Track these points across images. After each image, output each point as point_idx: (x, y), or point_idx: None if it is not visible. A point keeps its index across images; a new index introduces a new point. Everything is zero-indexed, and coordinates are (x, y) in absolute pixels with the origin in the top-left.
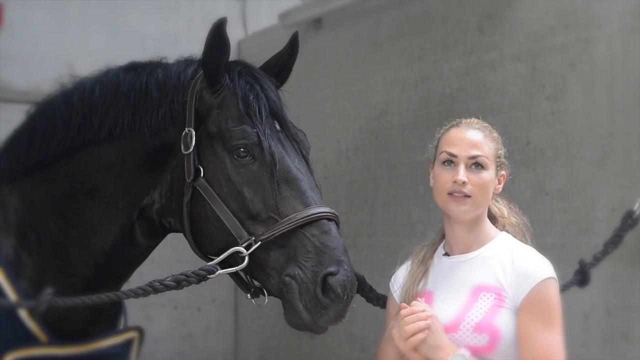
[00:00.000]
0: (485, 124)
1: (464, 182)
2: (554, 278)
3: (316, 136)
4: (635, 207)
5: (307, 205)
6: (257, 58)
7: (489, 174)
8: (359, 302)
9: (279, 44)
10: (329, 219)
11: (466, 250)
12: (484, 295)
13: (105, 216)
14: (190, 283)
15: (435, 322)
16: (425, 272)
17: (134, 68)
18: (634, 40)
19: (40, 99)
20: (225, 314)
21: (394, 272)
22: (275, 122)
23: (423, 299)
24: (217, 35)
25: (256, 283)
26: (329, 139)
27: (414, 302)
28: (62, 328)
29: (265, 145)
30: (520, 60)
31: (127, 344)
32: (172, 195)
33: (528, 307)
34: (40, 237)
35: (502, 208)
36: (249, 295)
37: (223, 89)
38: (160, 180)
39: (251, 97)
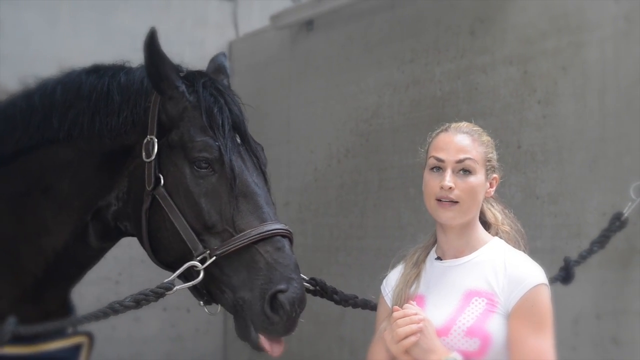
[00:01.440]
0: (475, 127)
1: (450, 188)
2: (545, 284)
3: (307, 138)
4: (625, 210)
5: (262, 220)
6: (249, 59)
7: (477, 179)
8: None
9: (271, 45)
10: (283, 236)
11: (458, 254)
12: (476, 300)
13: (59, 215)
14: (149, 302)
15: (428, 325)
16: (417, 275)
17: (96, 70)
18: (625, 44)
19: None
20: (215, 315)
21: (386, 274)
22: (237, 135)
23: (415, 302)
24: (150, 47)
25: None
26: (320, 141)
27: (406, 305)
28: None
29: (226, 159)
30: (511, 63)
31: (76, 349)
32: (128, 200)
33: (519, 313)
34: None
35: (496, 214)
36: (201, 302)
37: (184, 100)
38: (118, 183)
39: (215, 110)
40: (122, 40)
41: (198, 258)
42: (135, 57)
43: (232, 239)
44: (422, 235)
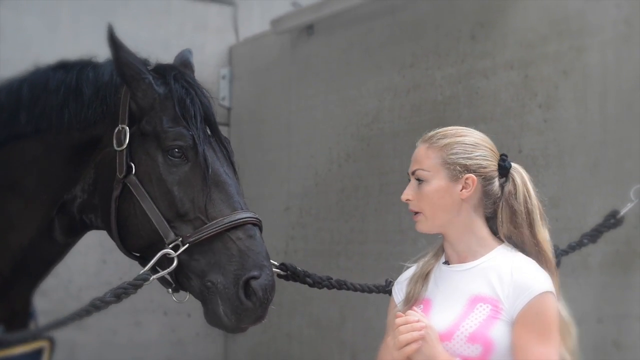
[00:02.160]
0: (440, 132)
1: (407, 200)
2: (552, 292)
3: (307, 142)
4: (622, 210)
5: (234, 209)
6: (249, 64)
7: (430, 186)
8: (349, 311)
9: (271, 50)
10: (254, 224)
11: (462, 260)
12: (480, 306)
13: (25, 211)
14: (128, 294)
15: (430, 332)
16: (426, 279)
17: (63, 66)
18: (626, 48)
19: None
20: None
21: (399, 277)
22: (207, 127)
23: (422, 306)
24: (112, 41)
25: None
26: (321, 146)
27: (409, 312)
28: None
29: (200, 149)
30: (512, 68)
31: (37, 353)
32: (94, 191)
33: (524, 320)
34: None
35: (507, 225)
36: (170, 290)
37: (154, 91)
38: (83, 175)
39: (187, 101)
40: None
41: (170, 246)
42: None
43: (205, 226)
44: (422, 240)
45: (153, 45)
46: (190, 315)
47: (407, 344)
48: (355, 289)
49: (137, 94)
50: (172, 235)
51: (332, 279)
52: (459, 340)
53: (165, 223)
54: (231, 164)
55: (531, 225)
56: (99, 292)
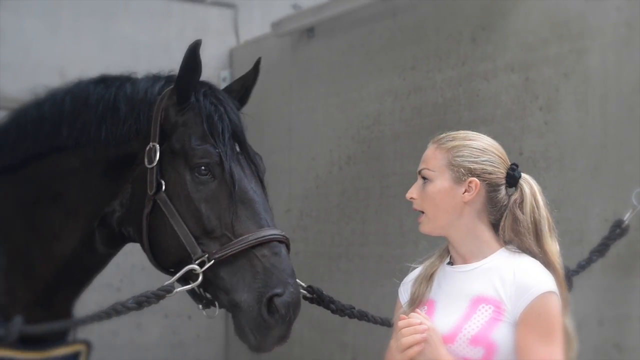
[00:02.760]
0: (451, 135)
1: (411, 198)
2: (554, 292)
3: (308, 145)
4: (625, 217)
5: (260, 226)
6: (249, 67)
7: (434, 186)
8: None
9: (271, 53)
10: (280, 241)
11: (466, 261)
12: (483, 307)
13: (67, 223)
14: (150, 303)
15: (433, 334)
16: (430, 280)
17: (103, 81)
18: (627, 51)
19: None
20: (215, 322)
21: (405, 278)
22: (236, 144)
23: (426, 307)
24: (192, 58)
25: (208, 295)
26: (321, 148)
27: (412, 314)
28: (22, 332)
29: (226, 166)
30: (513, 70)
31: (74, 357)
32: (131, 206)
33: (527, 321)
34: (5, 240)
35: (507, 230)
36: (200, 306)
37: (188, 108)
38: (121, 190)
39: (215, 118)
40: (123, 47)
41: (197, 262)
42: (136, 64)
43: (230, 243)
44: (424, 243)
45: (153, 48)
46: (191, 317)
47: (410, 346)
48: (376, 322)
49: (172, 110)
50: (199, 252)
51: (354, 308)
52: (461, 343)
53: (193, 240)
54: (260, 181)
55: (538, 236)
56: (99, 293)
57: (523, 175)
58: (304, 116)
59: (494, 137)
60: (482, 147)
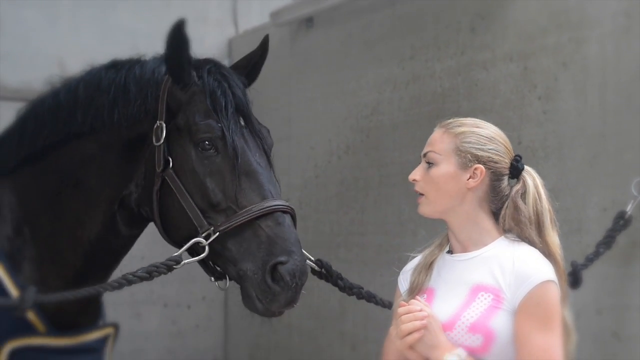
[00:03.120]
0: (458, 120)
1: (413, 180)
2: (553, 281)
3: (307, 134)
4: (628, 208)
5: (264, 197)
6: None
7: (439, 169)
8: (349, 302)
9: (271, 42)
10: (284, 212)
11: (464, 249)
12: (482, 295)
13: (89, 208)
14: (160, 273)
15: (432, 321)
16: (430, 268)
17: (114, 65)
18: (625, 40)
19: (32, 96)
20: (215, 311)
21: (404, 267)
22: (241, 118)
23: (425, 295)
24: (176, 35)
25: (218, 268)
26: (320, 138)
27: (412, 301)
28: (56, 319)
29: (229, 139)
30: (512, 60)
31: (104, 339)
32: (145, 185)
33: (526, 309)
34: (33, 230)
35: (508, 220)
36: (212, 278)
37: (192, 86)
38: (136, 171)
39: (218, 93)
40: (122, 37)
41: (203, 235)
42: (135, 54)
43: (235, 214)
44: (422, 232)
45: (152, 38)
46: (190, 307)
47: (410, 333)
48: (384, 305)
49: (177, 89)
50: (205, 225)
51: (362, 288)
52: (460, 330)
53: (199, 213)
54: (265, 153)
55: (539, 228)
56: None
57: (526, 167)
58: (303, 106)
59: None
60: (490, 135)
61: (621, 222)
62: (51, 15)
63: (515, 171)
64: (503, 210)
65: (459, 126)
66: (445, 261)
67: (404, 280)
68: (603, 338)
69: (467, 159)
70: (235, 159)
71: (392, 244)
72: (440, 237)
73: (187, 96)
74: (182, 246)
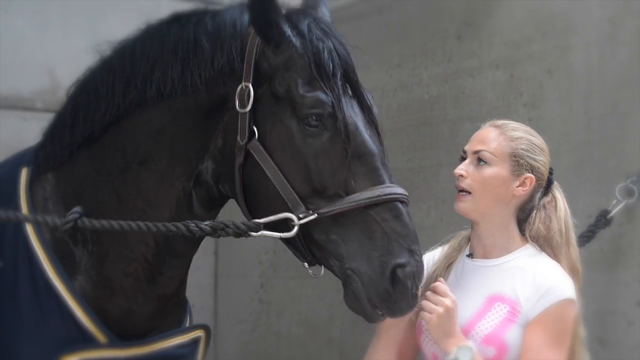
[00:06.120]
0: (514, 125)
1: (461, 175)
2: (574, 300)
3: None
4: (610, 207)
5: (379, 183)
6: None
7: (492, 170)
8: (338, 309)
9: None
10: (401, 202)
11: (487, 255)
12: (498, 305)
13: (161, 187)
14: (227, 234)
15: (454, 309)
16: (448, 268)
17: (177, 19)
18: (610, 48)
19: (21, 104)
20: (204, 318)
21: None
22: (348, 86)
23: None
24: None
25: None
26: None
27: (438, 283)
28: (124, 324)
29: (340, 116)
30: (498, 67)
31: (194, 344)
32: (222, 160)
33: (542, 322)
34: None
35: (540, 226)
36: (306, 264)
37: (288, 45)
38: (213, 141)
39: (325, 57)
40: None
41: (301, 215)
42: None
43: (341, 200)
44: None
45: None
46: None
47: (428, 310)
48: None
49: (271, 49)
50: (302, 209)
51: None
52: (473, 341)
53: (296, 197)
54: (375, 128)
55: (567, 240)
56: None
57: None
58: None
59: None
60: (541, 146)
61: (603, 220)
62: (41, 24)
63: (549, 184)
64: (532, 219)
65: (514, 130)
66: (465, 265)
67: None
68: (588, 344)
69: (522, 166)
70: (347, 138)
71: None
72: (458, 237)
73: (284, 58)
74: (271, 229)
